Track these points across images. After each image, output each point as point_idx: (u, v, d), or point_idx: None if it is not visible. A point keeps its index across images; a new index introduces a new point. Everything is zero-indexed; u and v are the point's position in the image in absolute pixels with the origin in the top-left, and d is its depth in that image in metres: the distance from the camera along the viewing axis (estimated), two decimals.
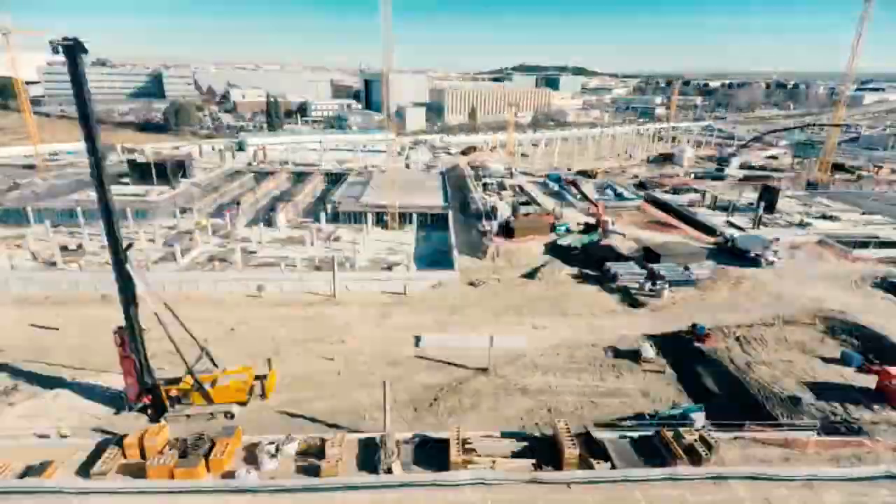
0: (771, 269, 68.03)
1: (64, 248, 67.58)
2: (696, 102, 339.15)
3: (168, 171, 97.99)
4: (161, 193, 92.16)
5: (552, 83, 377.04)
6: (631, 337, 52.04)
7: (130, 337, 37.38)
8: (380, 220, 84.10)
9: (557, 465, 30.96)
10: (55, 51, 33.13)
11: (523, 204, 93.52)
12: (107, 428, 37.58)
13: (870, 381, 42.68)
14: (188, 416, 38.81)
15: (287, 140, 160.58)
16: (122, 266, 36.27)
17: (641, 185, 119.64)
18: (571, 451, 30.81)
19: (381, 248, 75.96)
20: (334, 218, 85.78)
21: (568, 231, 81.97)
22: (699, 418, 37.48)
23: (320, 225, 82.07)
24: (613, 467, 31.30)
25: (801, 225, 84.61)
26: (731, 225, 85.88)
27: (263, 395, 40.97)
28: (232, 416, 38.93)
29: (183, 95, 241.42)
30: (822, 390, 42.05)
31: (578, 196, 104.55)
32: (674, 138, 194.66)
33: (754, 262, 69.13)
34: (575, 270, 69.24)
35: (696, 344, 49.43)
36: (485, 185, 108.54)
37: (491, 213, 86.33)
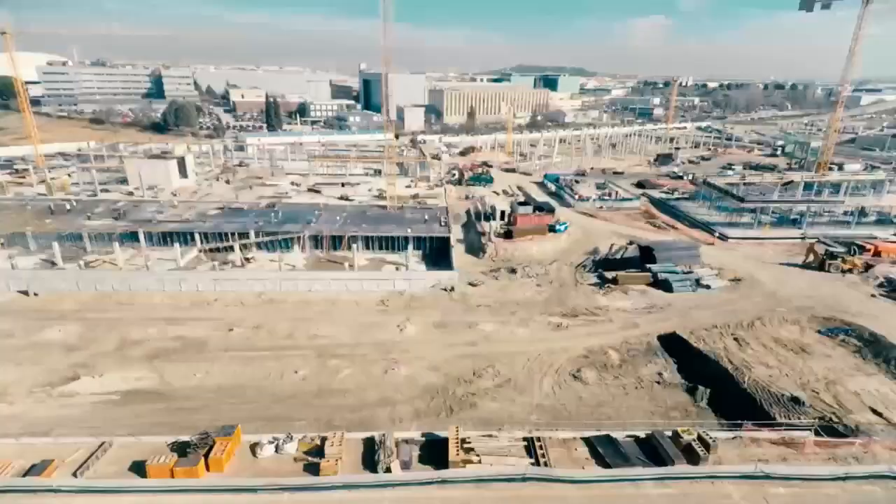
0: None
1: None
2: (694, 103, 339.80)
3: None
4: None
5: (551, 84, 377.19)
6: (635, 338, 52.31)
7: None
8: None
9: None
10: None
11: (522, 204, 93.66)
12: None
13: None
14: None
15: (287, 140, 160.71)
16: None
17: (640, 185, 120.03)
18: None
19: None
20: None
21: (565, 229, 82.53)
22: None
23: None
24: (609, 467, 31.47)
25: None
26: None
27: None
28: None
29: (182, 96, 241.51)
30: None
31: (577, 196, 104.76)
32: (672, 139, 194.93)
33: None
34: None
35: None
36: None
37: (490, 214, 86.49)
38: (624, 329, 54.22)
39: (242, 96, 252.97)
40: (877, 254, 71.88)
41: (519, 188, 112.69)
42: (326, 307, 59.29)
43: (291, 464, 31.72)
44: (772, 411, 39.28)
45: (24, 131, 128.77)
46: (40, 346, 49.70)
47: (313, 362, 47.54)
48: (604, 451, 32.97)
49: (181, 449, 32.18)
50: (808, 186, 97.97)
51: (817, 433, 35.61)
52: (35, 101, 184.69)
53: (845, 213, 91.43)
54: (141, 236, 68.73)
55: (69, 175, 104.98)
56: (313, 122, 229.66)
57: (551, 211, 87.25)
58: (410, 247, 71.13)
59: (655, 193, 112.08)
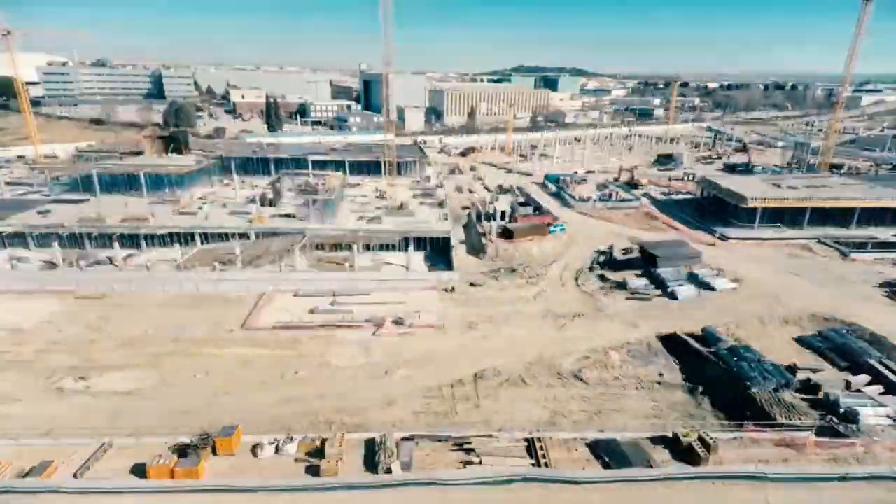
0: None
1: None
2: (695, 103, 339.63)
3: None
4: None
5: (551, 84, 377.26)
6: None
7: None
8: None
9: None
10: None
11: (522, 205, 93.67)
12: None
13: None
14: None
15: (287, 140, 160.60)
16: None
17: (634, 186, 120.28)
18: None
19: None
20: None
21: (561, 230, 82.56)
22: None
23: None
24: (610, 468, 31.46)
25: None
26: None
27: None
28: None
29: (183, 96, 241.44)
30: None
31: (577, 197, 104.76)
32: (673, 139, 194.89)
33: None
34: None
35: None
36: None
37: (491, 215, 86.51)
38: (625, 329, 54.17)
39: (243, 97, 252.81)
40: None
41: (519, 188, 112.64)
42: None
43: (292, 464, 31.72)
44: (772, 412, 39.21)
45: (24, 132, 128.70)
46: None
47: (314, 361, 47.56)
48: (604, 451, 32.97)
49: (181, 450, 32.20)
50: None
51: (818, 434, 35.57)
52: (35, 102, 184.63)
53: None
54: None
55: None
56: (314, 123, 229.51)
57: (539, 209, 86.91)
58: (411, 247, 71.09)
59: (656, 194, 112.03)
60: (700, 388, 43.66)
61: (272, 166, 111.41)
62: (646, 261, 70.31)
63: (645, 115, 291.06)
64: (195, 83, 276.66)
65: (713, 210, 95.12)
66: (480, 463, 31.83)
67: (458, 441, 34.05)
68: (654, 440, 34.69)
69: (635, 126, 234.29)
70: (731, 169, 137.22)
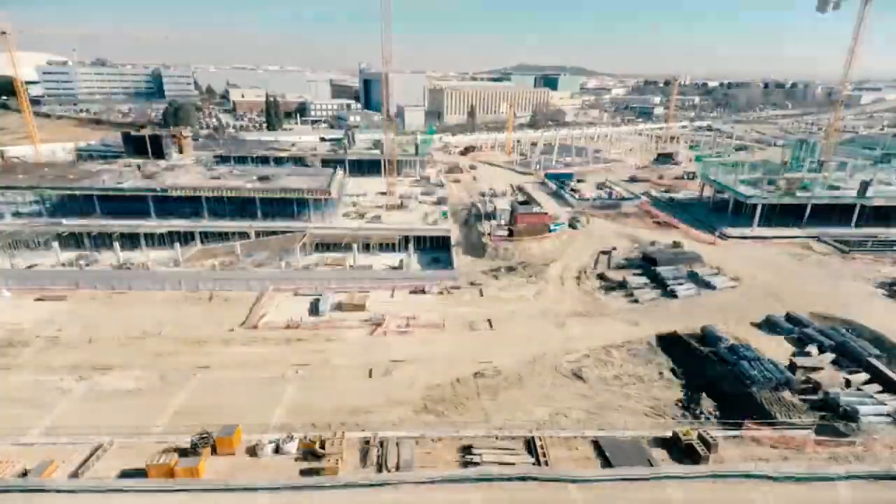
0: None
1: None
2: (694, 102, 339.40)
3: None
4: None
5: (551, 83, 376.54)
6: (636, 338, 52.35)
7: None
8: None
9: None
10: None
11: (522, 204, 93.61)
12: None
13: None
14: None
15: (286, 139, 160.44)
16: None
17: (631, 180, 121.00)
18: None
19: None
20: None
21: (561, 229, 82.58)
22: None
23: None
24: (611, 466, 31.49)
25: None
26: None
27: None
28: None
29: (182, 95, 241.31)
30: None
31: (577, 196, 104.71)
32: (673, 138, 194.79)
33: None
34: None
35: None
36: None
37: (490, 214, 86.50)
38: (625, 328, 54.15)
39: (242, 96, 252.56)
40: None
41: (519, 188, 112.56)
42: None
43: (292, 464, 31.73)
44: (772, 410, 39.22)
45: (24, 131, 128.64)
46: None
47: (314, 360, 47.57)
48: (604, 450, 32.99)
49: (181, 449, 32.20)
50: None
51: (818, 433, 35.59)
52: (35, 101, 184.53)
53: None
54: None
55: None
56: (313, 122, 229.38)
57: (542, 210, 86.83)
58: (411, 247, 71.10)
59: (656, 192, 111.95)
60: (700, 387, 43.65)
61: (271, 164, 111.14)
62: (646, 260, 70.32)
63: (645, 115, 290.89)
64: (195, 82, 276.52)
65: (713, 208, 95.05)
66: (480, 462, 31.84)
67: (458, 440, 34.07)
68: (654, 439, 34.73)
69: (640, 125, 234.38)
70: None
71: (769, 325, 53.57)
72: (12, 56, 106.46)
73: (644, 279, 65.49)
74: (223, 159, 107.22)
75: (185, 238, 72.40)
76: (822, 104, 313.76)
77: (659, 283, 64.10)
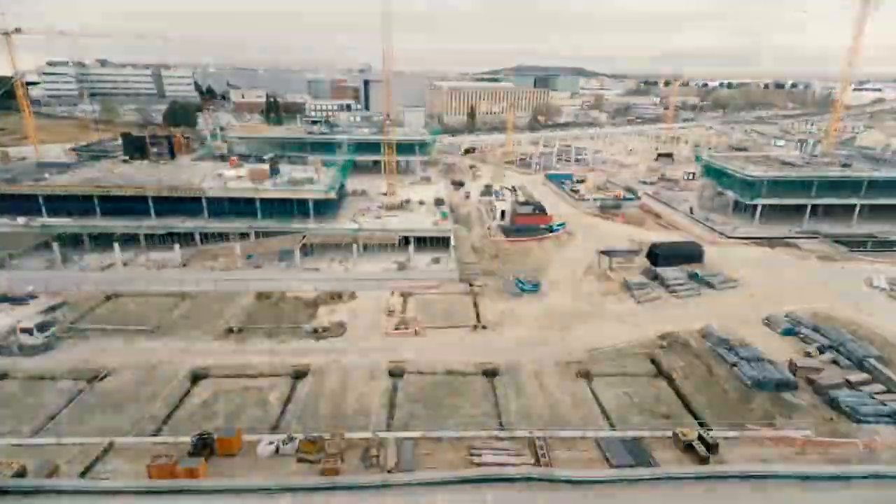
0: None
1: None
2: (694, 103, 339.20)
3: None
4: None
5: (550, 84, 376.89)
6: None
7: None
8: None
9: None
10: None
11: (522, 204, 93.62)
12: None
13: None
14: None
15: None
16: None
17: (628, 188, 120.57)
18: None
19: None
20: None
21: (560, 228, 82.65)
22: None
23: None
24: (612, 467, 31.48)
25: None
26: None
27: None
28: None
29: (183, 96, 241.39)
30: None
31: (577, 196, 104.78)
32: (675, 138, 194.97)
33: None
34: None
35: None
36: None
37: (492, 214, 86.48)
38: (625, 328, 54.15)
39: (243, 96, 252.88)
40: None
41: (519, 188, 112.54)
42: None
43: (292, 464, 31.72)
44: (773, 411, 39.19)
45: (24, 131, 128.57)
46: None
47: (315, 360, 47.57)
48: (607, 451, 32.98)
49: (182, 450, 32.20)
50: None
51: (818, 433, 35.57)
52: (35, 102, 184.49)
53: None
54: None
55: None
56: (314, 122, 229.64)
57: (542, 211, 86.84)
58: (412, 246, 71.06)
59: (657, 192, 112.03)
60: (699, 388, 43.67)
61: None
62: (651, 261, 70.29)
63: (645, 115, 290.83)
64: (195, 83, 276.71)
65: (713, 208, 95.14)
66: (481, 463, 31.83)
67: (459, 440, 34.07)
68: (655, 440, 34.71)
69: (640, 125, 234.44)
70: None
71: (769, 325, 53.56)
72: (12, 57, 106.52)
73: (644, 279, 65.49)
74: None
75: (185, 238, 72.10)
76: (822, 104, 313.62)
77: (659, 283, 64.12)
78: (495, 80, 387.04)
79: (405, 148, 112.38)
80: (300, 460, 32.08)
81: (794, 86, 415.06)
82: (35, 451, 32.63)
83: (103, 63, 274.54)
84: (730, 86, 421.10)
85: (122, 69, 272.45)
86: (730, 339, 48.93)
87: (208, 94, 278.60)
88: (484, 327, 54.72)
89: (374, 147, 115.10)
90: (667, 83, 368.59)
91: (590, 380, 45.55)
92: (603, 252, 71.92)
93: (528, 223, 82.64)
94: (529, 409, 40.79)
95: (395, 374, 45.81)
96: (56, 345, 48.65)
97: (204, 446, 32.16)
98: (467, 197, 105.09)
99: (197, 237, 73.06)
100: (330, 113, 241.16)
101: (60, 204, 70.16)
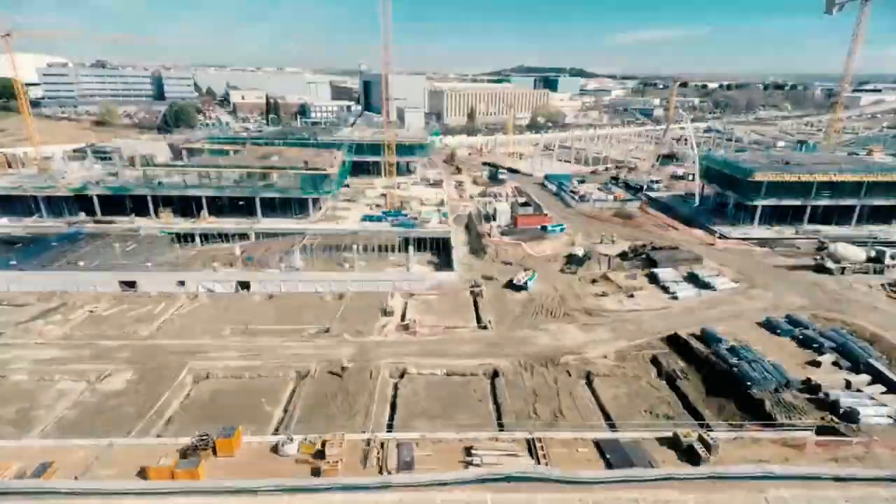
0: None
1: None
2: (694, 103, 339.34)
3: None
4: None
5: (550, 84, 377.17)
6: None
7: None
8: None
9: None
10: None
11: (522, 205, 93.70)
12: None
13: None
14: None
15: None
16: None
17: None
18: None
19: None
20: None
21: (561, 230, 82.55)
22: None
23: None
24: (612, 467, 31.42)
25: None
26: None
27: None
28: None
29: (182, 97, 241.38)
30: None
31: (577, 196, 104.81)
32: (677, 139, 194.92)
33: None
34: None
35: None
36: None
37: (490, 215, 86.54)
38: (625, 328, 54.13)
39: (243, 98, 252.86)
40: None
41: (519, 189, 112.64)
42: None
43: (292, 465, 31.67)
44: (773, 411, 39.18)
45: (24, 133, 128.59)
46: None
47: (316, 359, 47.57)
48: (605, 451, 32.92)
49: (181, 451, 32.14)
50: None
51: (818, 434, 35.51)
52: (35, 103, 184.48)
53: None
54: None
55: None
56: (314, 123, 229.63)
57: (538, 209, 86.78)
58: (412, 248, 71.12)
59: (656, 193, 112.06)
60: (700, 388, 43.63)
61: None
62: (646, 261, 70.35)
63: (645, 116, 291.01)
64: (195, 84, 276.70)
65: (713, 208, 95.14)
66: (481, 464, 31.76)
67: (458, 441, 34.01)
68: (655, 440, 34.64)
69: (641, 126, 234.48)
70: None
71: (769, 326, 53.47)
72: (12, 58, 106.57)
73: (644, 280, 65.47)
74: None
75: (185, 239, 72.21)
76: (822, 105, 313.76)
77: (659, 284, 64.09)
78: (498, 81, 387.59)
79: (405, 149, 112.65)
80: (300, 461, 32.03)
81: (793, 87, 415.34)
82: (35, 452, 32.55)
83: (103, 65, 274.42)
84: (729, 87, 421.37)
85: (122, 70, 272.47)
86: (729, 340, 48.94)
87: (208, 95, 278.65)
88: (484, 327, 54.72)
89: (374, 148, 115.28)
90: (666, 84, 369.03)
91: (584, 380, 45.50)
92: (602, 254, 72.01)
93: (529, 224, 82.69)
94: (527, 408, 40.74)
95: (396, 374, 45.82)
96: None
97: (203, 447, 32.07)
98: (469, 198, 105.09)
99: (197, 238, 73.06)
100: (330, 113, 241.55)
101: None
